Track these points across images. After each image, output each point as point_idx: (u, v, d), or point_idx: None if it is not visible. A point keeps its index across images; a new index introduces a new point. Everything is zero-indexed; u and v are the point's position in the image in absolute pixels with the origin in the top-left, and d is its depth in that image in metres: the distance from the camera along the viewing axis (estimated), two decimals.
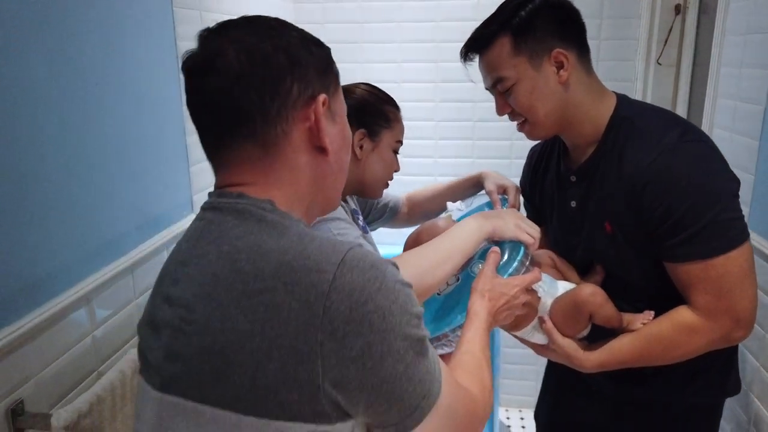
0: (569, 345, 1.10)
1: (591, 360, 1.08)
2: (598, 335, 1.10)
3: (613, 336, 1.08)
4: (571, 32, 1.07)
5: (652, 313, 1.06)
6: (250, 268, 0.64)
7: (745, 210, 1.39)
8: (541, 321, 1.11)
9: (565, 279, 1.15)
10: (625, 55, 2.17)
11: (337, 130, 0.76)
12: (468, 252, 1.02)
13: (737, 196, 1.01)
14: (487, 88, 1.14)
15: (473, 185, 1.41)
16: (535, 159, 1.32)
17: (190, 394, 0.67)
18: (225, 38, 0.69)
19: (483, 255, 1.06)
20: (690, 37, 2.04)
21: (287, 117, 0.70)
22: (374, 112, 1.21)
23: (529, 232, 1.07)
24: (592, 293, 1.05)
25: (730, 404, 1.23)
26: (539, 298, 1.10)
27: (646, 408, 1.16)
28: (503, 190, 1.31)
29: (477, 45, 1.10)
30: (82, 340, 1.17)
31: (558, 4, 1.07)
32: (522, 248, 1.06)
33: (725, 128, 1.63)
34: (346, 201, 1.23)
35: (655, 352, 1.05)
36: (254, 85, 0.68)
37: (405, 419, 0.66)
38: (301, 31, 0.74)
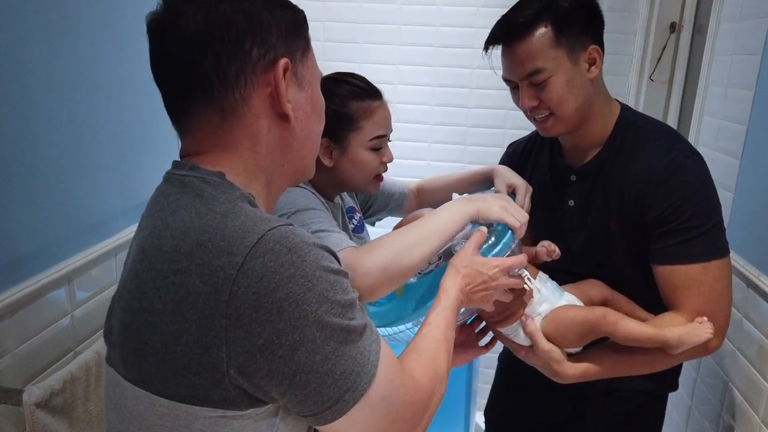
0: (555, 351, 1.06)
1: (573, 368, 1.06)
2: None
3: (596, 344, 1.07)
4: (600, 31, 1.09)
5: (704, 319, 1.02)
6: (169, 246, 0.63)
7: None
8: (525, 322, 1.07)
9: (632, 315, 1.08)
10: (618, 70, 2.19)
11: (304, 97, 0.73)
12: (448, 234, 0.97)
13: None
14: (511, 79, 1.10)
15: (484, 180, 1.34)
16: (517, 158, 1.30)
17: (118, 369, 0.68)
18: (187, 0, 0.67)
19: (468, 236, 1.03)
20: (683, 55, 2.06)
21: (246, 81, 0.68)
22: (336, 117, 1.10)
23: (515, 215, 1.01)
24: (604, 314, 1.01)
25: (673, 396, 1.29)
26: (528, 289, 1.05)
27: (603, 401, 1.19)
28: (513, 189, 1.23)
29: (512, 33, 1.05)
30: (60, 319, 1.18)
31: (590, 2, 1.08)
32: (509, 232, 1.01)
33: (709, 146, 1.65)
34: (333, 200, 1.20)
35: (639, 362, 1.04)
36: (212, 47, 0.66)
37: (324, 411, 0.63)
38: None
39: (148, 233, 0.67)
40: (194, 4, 0.66)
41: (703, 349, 1.04)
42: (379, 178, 1.20)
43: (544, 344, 1.06)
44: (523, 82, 1.08)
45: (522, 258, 0.99)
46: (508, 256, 0.99)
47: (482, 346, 1.16)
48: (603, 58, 1.10)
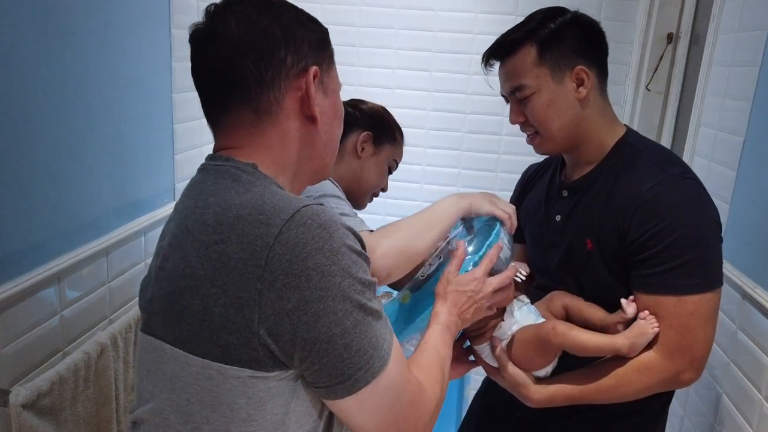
0: (519, 375, 1.07)
1: (539, 393, 1.06)
2: (566, 366, 1.08)
3: (565, 370, 1.07)
4: (595, 52, 1.07)
5: (647, 313, 1.00)
6: (212, 220, 0.70)
7: None
8: (492, 345, 1.09)
9: (585, 318, 1.07)
10: (615, 79, 2.19)
11: (328, 103, 0.81)
12: (449, 223, 1.04)
13: (721, 242, 1.02)
14: (503, 95, 1.14)
15: None
16: (527, 178, 1.32)
17: (157, 334, 0.74)
18: (228, 12, 0.75)
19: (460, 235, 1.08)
20: (680, 65, 2.07)
21: (280, 85, 0.75)
22: (384, 124, 1.33)
23: (503, 208, 1.07)
24: (553, 326, 1.02)
25: None
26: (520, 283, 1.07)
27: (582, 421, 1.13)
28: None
29: (501, 50, 1.09)
30: (49, 318, 1.16)
31: (587, 23, 1.08)
32: (498, 224, 1.06)
33: (705, 157, 1.66)
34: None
35: (604, 388, 1.02)
36: (251, 54, 0.73)
37: (335, 385, 0.68)
38: (299, 10, 0.80)
39: (189, 212, 0.74)
40: (236, 16, 0.75)
41: (676, 383, 1.01)
42: (371, 199, 1.36)
43: (508, 367, 1.08)
44: (511, 98, 1.11)
45: (493, 252, 1.01)
46: (509, 249, 1.05)
47: (472, 361, 1.18)
48: (602, 79, 1.08)
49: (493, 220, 1.08)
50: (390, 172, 1.37)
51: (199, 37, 0.76)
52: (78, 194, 1.23)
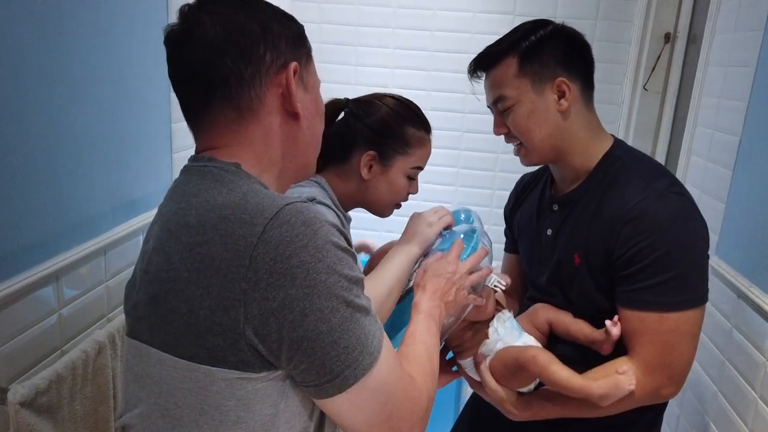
0: (499, 391, 1.07)
1: (522, 408, 1.07)
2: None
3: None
4: (577, 65, 1.08)
5: (625, 369, 0.97)
6: (195, 222, 0.69)
7: (714, 238, 1.42)
8: (476, 361, 1.10)
9: (570, 333, 1.07)
10: (612, 79, 2.20)
11: (309, 99, 0.81)
12: (408, 274, 1.06)
13: (708, 258, 1.01)
14: (488, 106, 1.15)
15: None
16: (521, 188, 1.33)
17: (143, 338, 0.73)
18: (203, 11, 0.74)
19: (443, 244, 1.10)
20: (677, 65, 2.08)
21: (261, 82, 0.75)
22: (391, 134, 1.15)
23: (441, 217, 1.11)
24: (534, 355, 1.01)
25: None
26: (498, 290, 1.07)
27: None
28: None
29: (485, 61, 1.11)
30: (47, 317, 1.16)
31: (570, 35, 1.08)
32: (474, 234, 1.08)
33: (701, 156, 1.66)
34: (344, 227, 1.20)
35: (585, 404, 1.00)
36: (229, 52, 0.73)
37: (324, 384, 0.67)
38: (274, 7, 0.79)
39: (172, 214, 0.73)
40: (212, 15, 0.74)
41: (656, 397, 1.01)
42: (399, 205, 1.23)
43: (490, 383, 1.08)
44: (494, 109, 1.13)
45: (459, 240, 1.05)
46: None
47: (455, 371, 1.18)
48: (586, 91, 1.08)
49: (470, 232, 1.10)
50: (414, 178, 1.20)
51: (174, 39, 0.75)
52: (76, 193, 1.23)
